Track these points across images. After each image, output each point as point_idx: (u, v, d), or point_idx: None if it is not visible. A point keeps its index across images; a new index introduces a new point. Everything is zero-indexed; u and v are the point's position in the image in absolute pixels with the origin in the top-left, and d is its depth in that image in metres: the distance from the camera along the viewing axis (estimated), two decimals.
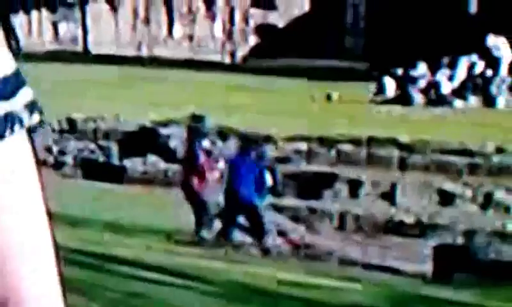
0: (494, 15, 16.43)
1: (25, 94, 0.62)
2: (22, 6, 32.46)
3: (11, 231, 0.61)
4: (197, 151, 7.93)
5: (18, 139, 0.62)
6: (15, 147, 0.62)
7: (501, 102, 15.30)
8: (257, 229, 7.78)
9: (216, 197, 7.96)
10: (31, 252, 0.62)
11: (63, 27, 32.79)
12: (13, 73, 0.62)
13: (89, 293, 4.27)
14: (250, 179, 7.68)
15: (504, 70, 15.80)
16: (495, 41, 15.92)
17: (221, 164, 8.23)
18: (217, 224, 8.05)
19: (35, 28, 33.01)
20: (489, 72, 15.72)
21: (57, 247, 0.64)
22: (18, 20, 32.22)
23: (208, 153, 8.10)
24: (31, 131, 0.63)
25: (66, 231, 6.14)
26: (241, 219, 7.87)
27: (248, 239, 7.84)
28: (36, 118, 0.63)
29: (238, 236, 7.90)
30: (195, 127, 8.57)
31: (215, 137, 10.87)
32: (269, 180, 7.87)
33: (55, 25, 32.94)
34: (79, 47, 31.67)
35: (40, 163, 0.67)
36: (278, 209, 9.12)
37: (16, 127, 0.62)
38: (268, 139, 11.41)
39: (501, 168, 10.84)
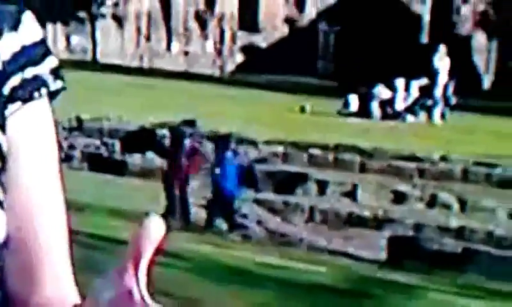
0: (441, 43, 16.73)
1: (51, 61, 0.59)
2: (38, 20, 32.06)
3: (29, 191, 0.55)
4: (181, 149, 7.87)
5: (43, 104, 0.57)
6: (40, 111, 0.57)
7: (440, 117, 15.59)
8: (230, 219, 7.76)
9: (190, 190, 7.90)
10: (47, 214, 0.56)
11: (74, 39, 32.42)
12: (41, 40, 0.58)
13: (98, 271, 4.19)
14: (231, 175, 7.66)
15: (449, 90, 16.01)
16: (440, 66, 16.11)
17: (204, 161, 8.15)
18: (202, 213, 7.99)
19: (50, 39, 32.62)
20: (436, 93, 15.92)
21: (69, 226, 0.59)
22: None
23: (193, 151, 8.02)
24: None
25: (74, 217, 6.03)
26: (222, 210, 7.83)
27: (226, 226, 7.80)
28: (59, 83, 0.59)
29: (222, 224, 7.85)
30: (177, 129, 8.48)
31: (204, 139, 10.80)
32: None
33: (67, 37, 32.57)
34: (89, 57, 31.33)
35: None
36: (258, 202, 9.10)
37: (43, 90, 0.57)
38: (250, 142, 11.39)
39: (444, 173, 10.96)
